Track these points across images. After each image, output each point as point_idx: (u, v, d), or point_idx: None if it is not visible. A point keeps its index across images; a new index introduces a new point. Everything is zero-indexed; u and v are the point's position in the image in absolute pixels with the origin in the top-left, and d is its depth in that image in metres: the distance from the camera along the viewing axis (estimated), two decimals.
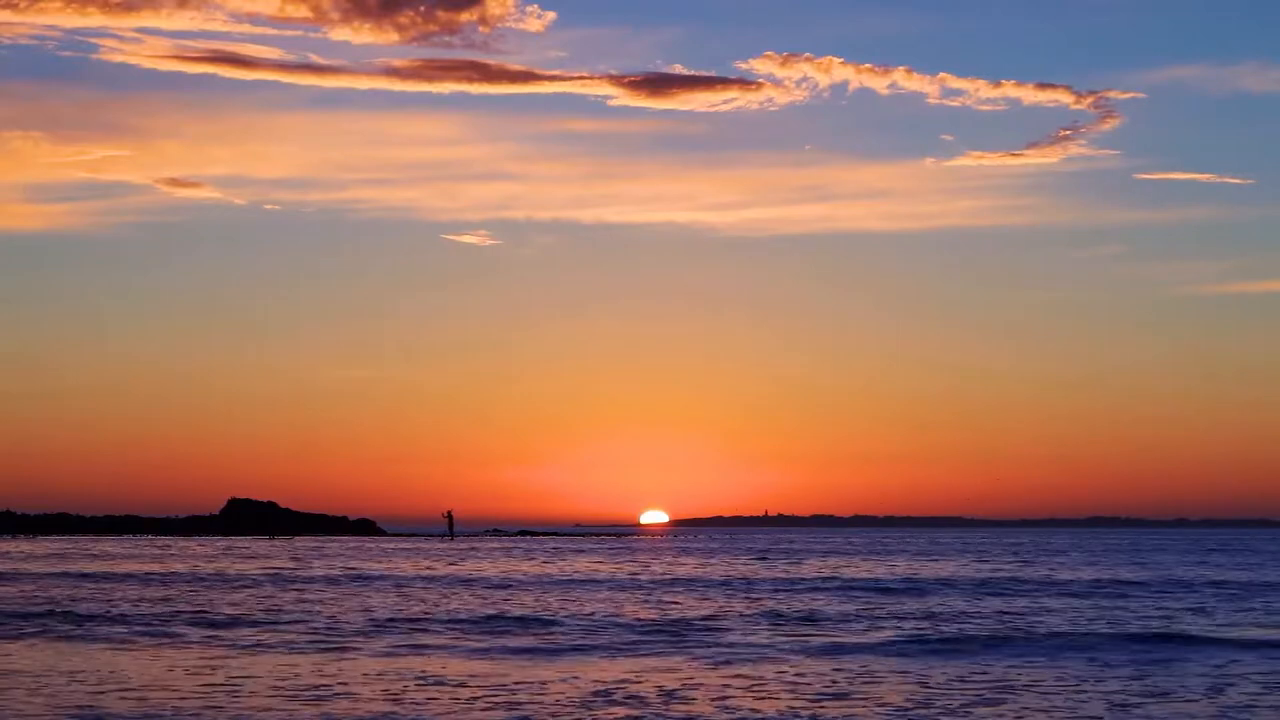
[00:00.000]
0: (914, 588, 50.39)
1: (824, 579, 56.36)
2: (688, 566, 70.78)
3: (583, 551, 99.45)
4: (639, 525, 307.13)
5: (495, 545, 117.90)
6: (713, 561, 78.59)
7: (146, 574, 60.32)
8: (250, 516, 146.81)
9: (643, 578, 58.24)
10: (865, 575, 59.83)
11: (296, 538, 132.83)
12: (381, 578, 57.69)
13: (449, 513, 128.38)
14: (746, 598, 44.92)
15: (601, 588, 51.05)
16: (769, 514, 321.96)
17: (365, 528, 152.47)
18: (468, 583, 54.49)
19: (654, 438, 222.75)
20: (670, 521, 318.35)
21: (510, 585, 52.74)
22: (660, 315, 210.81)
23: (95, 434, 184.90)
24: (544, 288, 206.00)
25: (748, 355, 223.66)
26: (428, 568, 68.55)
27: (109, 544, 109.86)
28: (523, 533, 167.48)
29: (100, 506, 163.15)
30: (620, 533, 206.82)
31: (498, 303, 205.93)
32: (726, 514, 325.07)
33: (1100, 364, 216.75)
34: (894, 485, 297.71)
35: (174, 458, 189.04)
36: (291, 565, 69.52)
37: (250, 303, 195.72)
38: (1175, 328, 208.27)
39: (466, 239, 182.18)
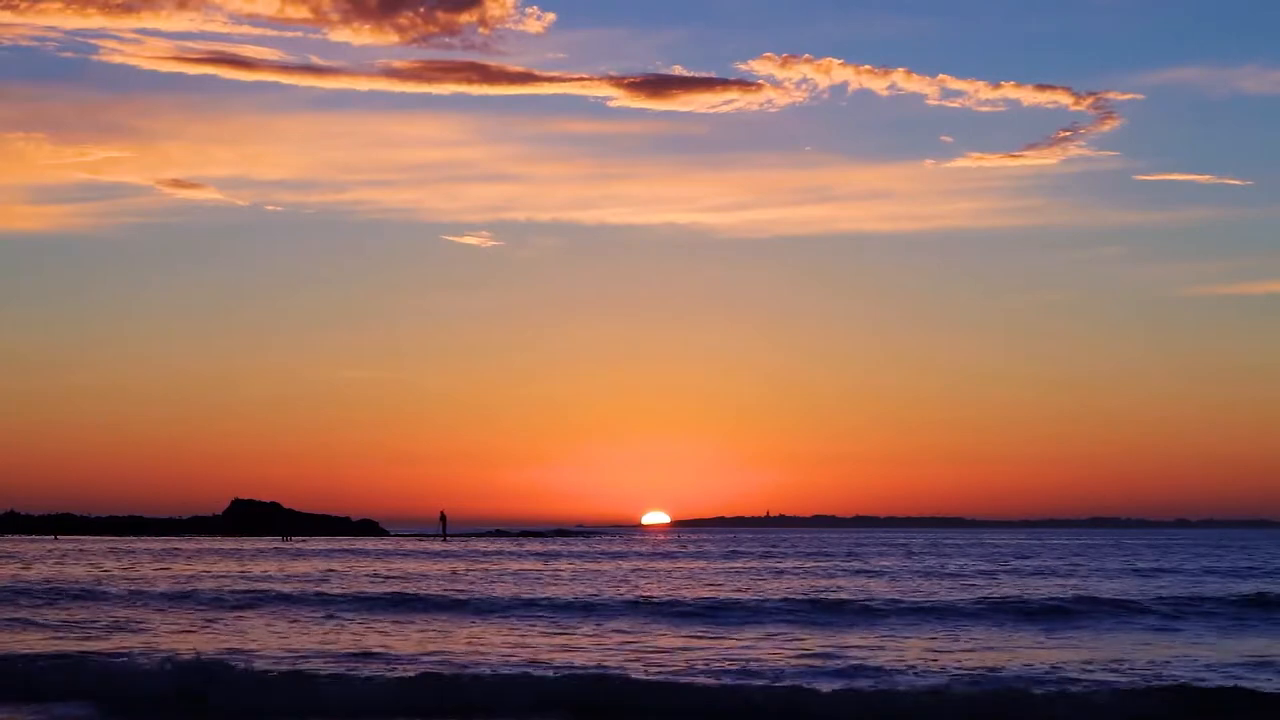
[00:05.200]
0: None
1: None
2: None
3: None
4: (641, 526, 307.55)
5: (437, 547, 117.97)
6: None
7: None
8: (254, 517, 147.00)
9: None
10: None
11: (308, 539, 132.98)
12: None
13: (442, 514, 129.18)
14: None
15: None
16: (770, 514, 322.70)
17: (368, 528, 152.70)
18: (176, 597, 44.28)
19: (655, 438, 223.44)
20: (671, 522, 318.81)
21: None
22: (661, 316, 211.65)
23: (97, 435, 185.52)
24: (545, 289, 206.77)
25: (748, 356, 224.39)
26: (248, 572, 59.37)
27: (60, 543, 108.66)
28: (525, 533, 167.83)
29: (103, 507, 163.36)
30: (622, 534, 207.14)
31: (499, 304, 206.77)
32: (728, 514, 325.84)
33: (1100, 365, 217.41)
34: (895, 486, 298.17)
35: (177, 458, 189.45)
36: (121, 571, 59.25)
37: (252, 304, 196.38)
38: (1175, 329, 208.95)
39: (467, 240, 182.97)
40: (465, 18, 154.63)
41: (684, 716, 21.94)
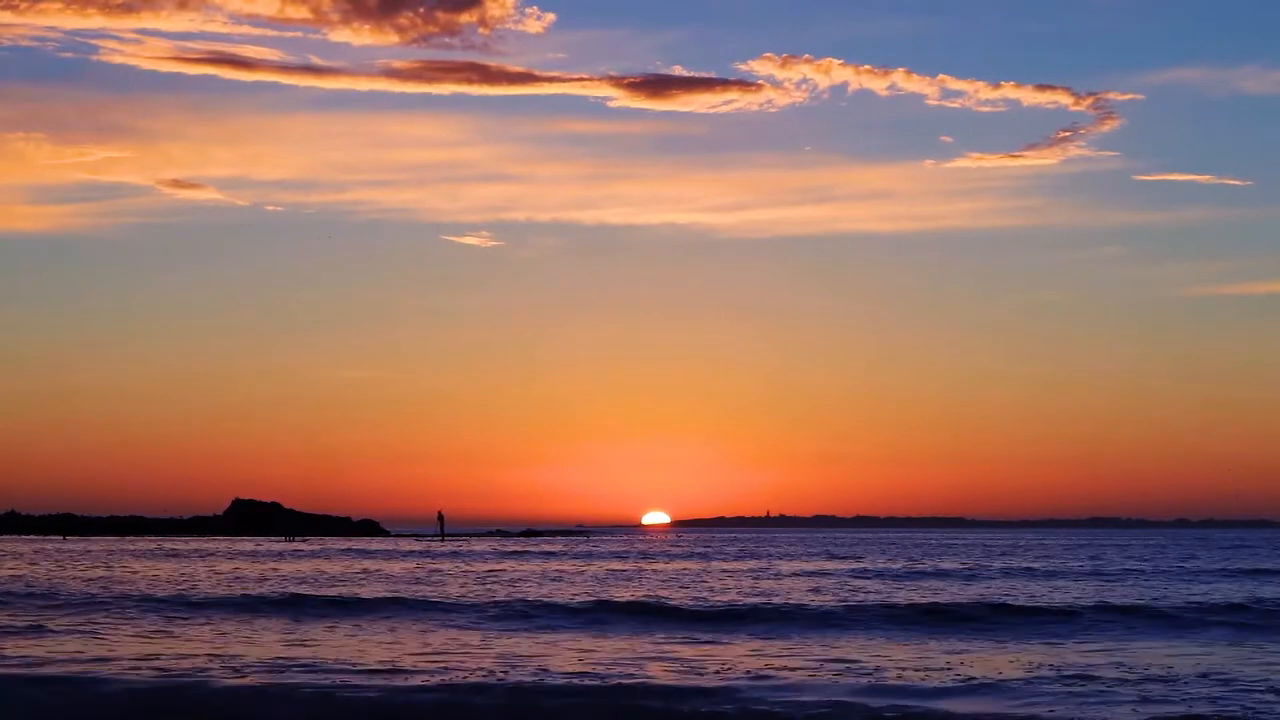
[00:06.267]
0: None
1: None
2: None
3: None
4: (641, 526, 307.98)
5: (415, 547, 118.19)
6: None
7: None
8: (254, 517, 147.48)
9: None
10: None
11: (308, 539, 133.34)
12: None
13: (440, 514, 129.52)
14: None
15: None
16: (770, 514, 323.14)
17: (369, 528, 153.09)
18: None
19: (655, 438, 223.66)
20: (671, 522, 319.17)
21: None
22: (660, 316, 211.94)
23: (98, 435, 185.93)
24: (545, 289, 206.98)
25: (748, 356, 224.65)
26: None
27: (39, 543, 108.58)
28: (526, 533, 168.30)
29: (104, 507, 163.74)
30: (622, 534, 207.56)
31: (499, 304, 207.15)
32: (728, 514, 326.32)
33: (1099, 365, 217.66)
34: (895, 486, 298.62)
35: (177, 459, 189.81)
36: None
37: (252, 304, 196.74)
38: (1174, 329, 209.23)
39: (467, 240, 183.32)
40: (465, 18, 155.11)
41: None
